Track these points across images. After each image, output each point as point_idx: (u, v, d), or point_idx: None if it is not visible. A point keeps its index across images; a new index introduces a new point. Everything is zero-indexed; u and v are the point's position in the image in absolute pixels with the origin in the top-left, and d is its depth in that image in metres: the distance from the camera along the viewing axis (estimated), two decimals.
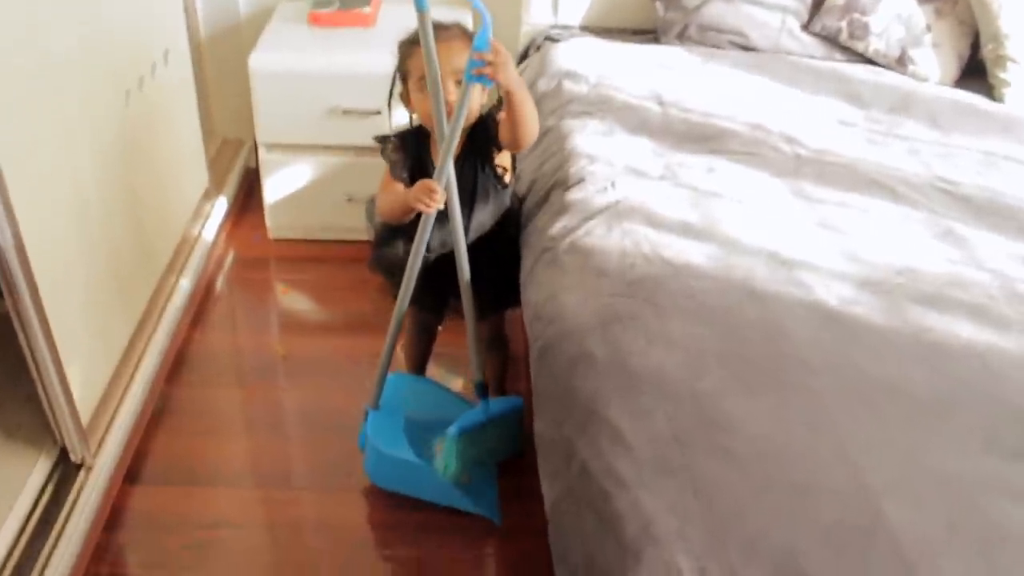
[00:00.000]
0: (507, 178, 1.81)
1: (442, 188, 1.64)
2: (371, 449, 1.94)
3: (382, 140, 1.81)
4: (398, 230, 1.84)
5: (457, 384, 2.28)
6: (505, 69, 1.49)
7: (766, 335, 1.41)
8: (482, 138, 1.75)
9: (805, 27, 2.47)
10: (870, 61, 2.44)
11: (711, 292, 1.50)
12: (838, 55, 2.47)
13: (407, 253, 1.81)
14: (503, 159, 1.79)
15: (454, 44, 1.65)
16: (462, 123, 1.58)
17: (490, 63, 1.48)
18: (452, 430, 1.83)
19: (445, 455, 1.84)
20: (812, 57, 2.46)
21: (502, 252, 1.87)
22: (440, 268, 1.84)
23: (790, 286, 1.53)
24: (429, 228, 1.71)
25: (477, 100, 1.68)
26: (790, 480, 1.17)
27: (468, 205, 1.78)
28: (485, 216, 1.83)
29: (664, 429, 1.24)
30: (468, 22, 2.71)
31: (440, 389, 2.08)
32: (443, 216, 1.80)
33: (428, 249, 1.82)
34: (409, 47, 1.71)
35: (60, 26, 1.71)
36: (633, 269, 1.57)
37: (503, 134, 1.69)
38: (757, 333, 1.41)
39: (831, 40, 2.46)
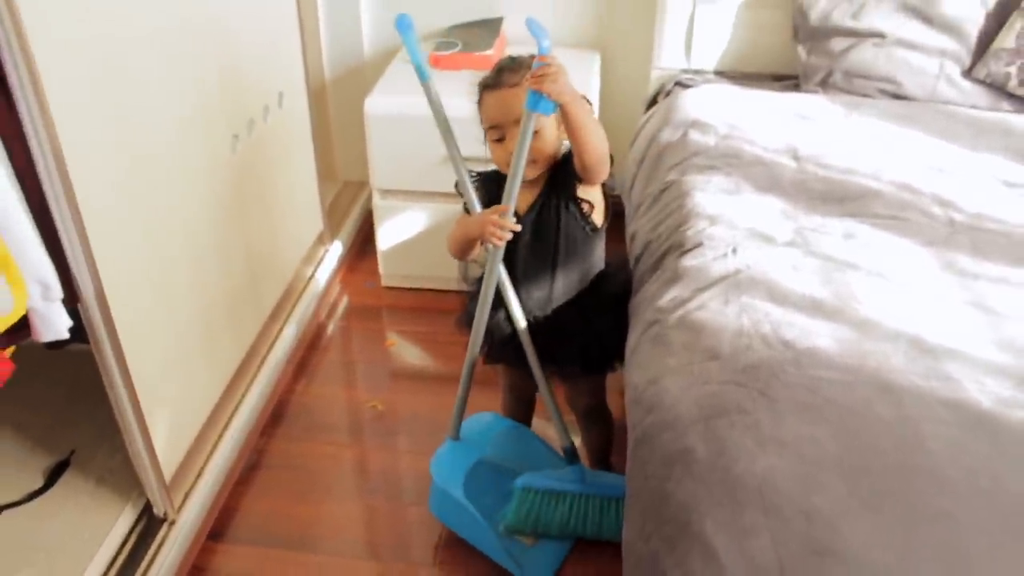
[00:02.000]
0: (596, 218, 1.66)
1: (510, 217, 1.54)
2: (433, 479, 1.89)
3: (475, 175, 1.71)
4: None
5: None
6: (556, 80, 1.36)
7: (899, 442, 1.19)
8: (562, 175, 1.61)
9: (967, 73, 2.23)
10: None
11: (837, 385, 1.29)
12: (1005, 105, 2.21)
13: (495, 310, 1.72)
14: (589, 194, 1.64)
15: (517, 90, 1.54)
16: (524, 156, 1.47)
17: (539, 75, 1.36)
18: (518, 481, 1.77)
19: (510, 505, 1.79)
20: (974, 107, 2.21)
21: (595, 309, 1.73)
22: (532, 330, 1.71)
23: (933, 380, 1.31)
24: (498, 261, 1.61)
25: (551, 136, 1.58)
26: None
27: (552, 252, 1.66)
28: (573, 272, 1.69)
29: (767, 554, 1.05)
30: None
31: (539, 443, 1.95)
32: (535, 275, 1.68)
33: (527, 309, 1.70)
34: (481, 91, 1.62)
35: (156, 69, 1.66)
36: (748, 352, 1.37)
37: (575, 162, 1.55)
38: (889, 439, 1.20)
39: (998, 88, 2.21)
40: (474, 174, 1.69)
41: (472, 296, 1.82)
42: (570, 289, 1.71)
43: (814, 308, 1.47)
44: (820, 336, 1.40)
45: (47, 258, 1.41)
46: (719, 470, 1.17)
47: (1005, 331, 1.42)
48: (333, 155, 2.99)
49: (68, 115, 1.38)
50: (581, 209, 1.64)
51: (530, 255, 1.67)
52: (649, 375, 1.42)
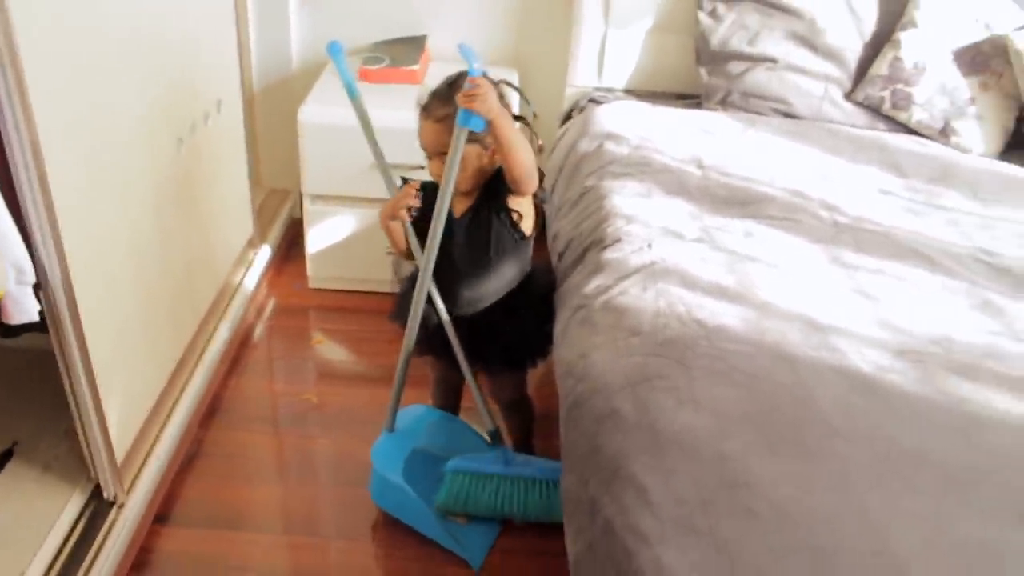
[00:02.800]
0: (525, 226, 1.82)
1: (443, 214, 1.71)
2: (373, 469, 2.01)
3: (404, 181, 1.86)
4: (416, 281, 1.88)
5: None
6: (484, 100, 1.52)
7: (795, 399, 1.40)
8: (495, 186, 1.78)
9: (848, 96, 2.49)
10: (913, 131, 2.45)
11: (742, 355, 1.49)
12: (881, 124, 2.48)
13: (427, 307, 1.87)
14: (519, 205, 1.80)
15: (440, 126, 1.71)
16: (456, 168, 1.63)
17: (469, 95, 1.51)
18: (448, 465, 1.92)
19: (442, 487, 1.93)
20: (854, 126, 2.47)
21: (521, 310, 1.90)
22: (461, 324, 1.87)
23: (823, 351, 1.52)
24: (431, 258, 1.75)
25: (470, 162, 1.74)
26: (813, 543, 1.16)
27: (484, 256, 1.82)
28: (502, 276, 1.85)
29: (688, 488, 1.23)
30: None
31: (467, 429, 2.10)
32: (467, 277, 1.84)
33: (457, 306, 1.86)
34: (419, 113, 1.77)
35: (120, 72, 1.77)
36: (665, 330, 1.57)
37: (505, 174, 1.71)
38: (786, 397, 1.40)
39: (873, 109, 2.47)
40: (420, 184, 1.84)
41: (402, 295, 1.97)
42: (499, 291, 1.87)
43: (720, 293, 1.68)
44: (727, 316, 1.60)
45: (21, 243, 1.50)
46: (644, 425, 1.36)
47: (882, 313, 1.65)
48: (259, 163, 3.09)
49: (46, 110, 1.48)
50: (511, 218, 1.80)
51: (463, 257, 1.83)
52: (578, 351, 1.60)
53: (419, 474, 1.97)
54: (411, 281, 1.93)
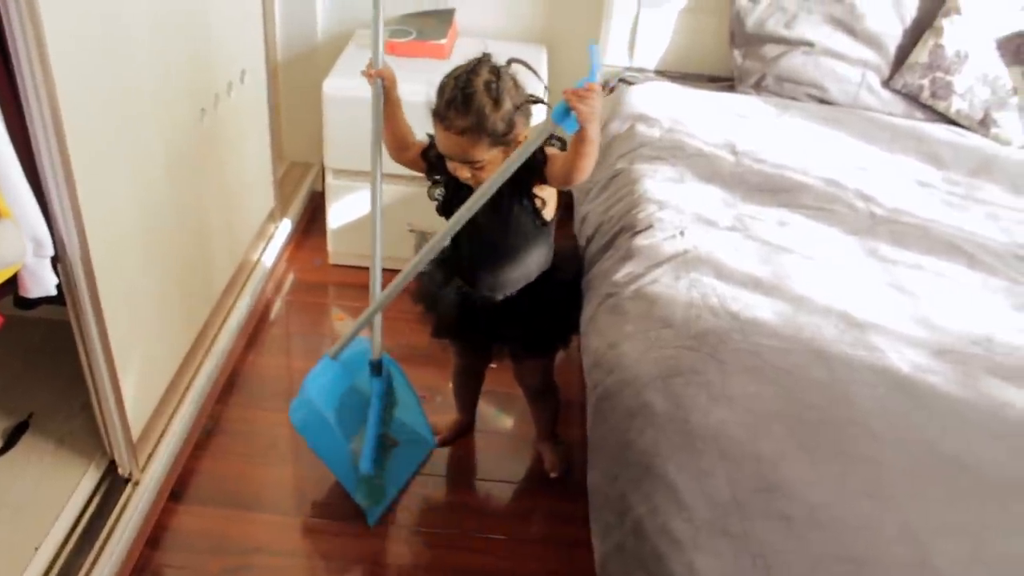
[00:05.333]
0: (547, 213, 1.73)
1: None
2: (302, 390, 1.95)
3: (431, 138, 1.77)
4: (439, 261, 1.84)
5: (507, 423, 2.25)
6: (592, 105, 1.38)
7: (831, 399, 1.35)
8: (524, 168, 1.58)
9: (886, 83, 2.43)
10: (952, 121, 2.39)
11: (777, 351, 1.45)
12: (918, 114, 2.42)
13: (443, 285, 1.85)
14: (544, 191, 1.70)
15: (462, 140, 1.59)
16: (515, 167, 1.51)
17: (581, 93, 1.37)
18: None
19: None
20: (891, 114, 2.41)
21: (547, 295, 1.83)
22: (485, 308, 1.82)
23: (860, 349, 1.48)
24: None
25: (494, 169, 1.62)
26: (850, 553, 1.12)
27: (503, 240, 1.74)
28: (522, 263, 1.78)
29: (723, 491, 1.20)
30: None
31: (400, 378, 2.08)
32: (485, 259, 1.78)
33: (478, 288, 1.82)
34: (432, 117, 1.66)
35: (141, 41, 1.73)
36: (698, 321, 1.52)
37: (555, 169, 1.61)
38: (822, 397, 1.36)
39: (912, 98, 2.41)
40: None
41: (424, 275, 1.93)
42: (523, 278, 1.80)
43: (755, 285, 1.63)
44: (761, 309, 1.56)
45: (41, 215, 1.47)
46: (677, 421, 1.32)
47: (921, 310, 1.61)
48: (281, 135, 3.05)
49: (67, 80, 1.44)
50: (534, 204, 1.70)
51: (480, 240, 1.74)
52: (608, 341, 1.56)
53: (347, 413, 1.95)
54: (432, 264, 1.88)
